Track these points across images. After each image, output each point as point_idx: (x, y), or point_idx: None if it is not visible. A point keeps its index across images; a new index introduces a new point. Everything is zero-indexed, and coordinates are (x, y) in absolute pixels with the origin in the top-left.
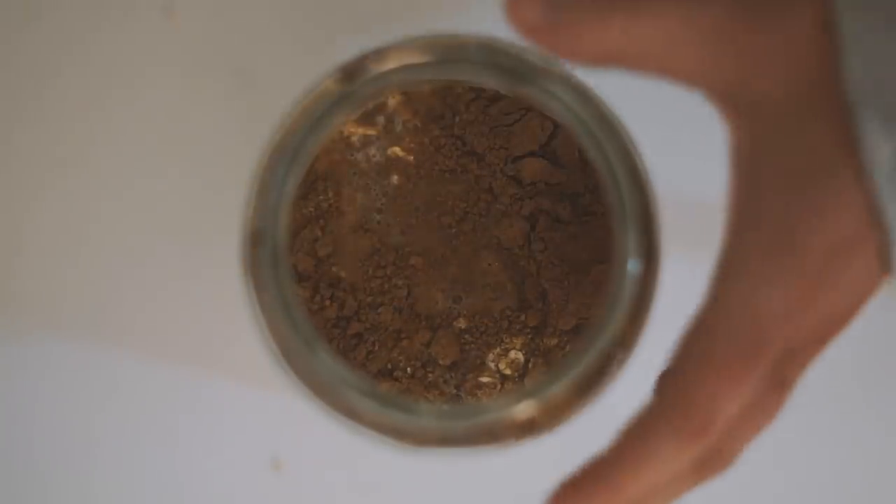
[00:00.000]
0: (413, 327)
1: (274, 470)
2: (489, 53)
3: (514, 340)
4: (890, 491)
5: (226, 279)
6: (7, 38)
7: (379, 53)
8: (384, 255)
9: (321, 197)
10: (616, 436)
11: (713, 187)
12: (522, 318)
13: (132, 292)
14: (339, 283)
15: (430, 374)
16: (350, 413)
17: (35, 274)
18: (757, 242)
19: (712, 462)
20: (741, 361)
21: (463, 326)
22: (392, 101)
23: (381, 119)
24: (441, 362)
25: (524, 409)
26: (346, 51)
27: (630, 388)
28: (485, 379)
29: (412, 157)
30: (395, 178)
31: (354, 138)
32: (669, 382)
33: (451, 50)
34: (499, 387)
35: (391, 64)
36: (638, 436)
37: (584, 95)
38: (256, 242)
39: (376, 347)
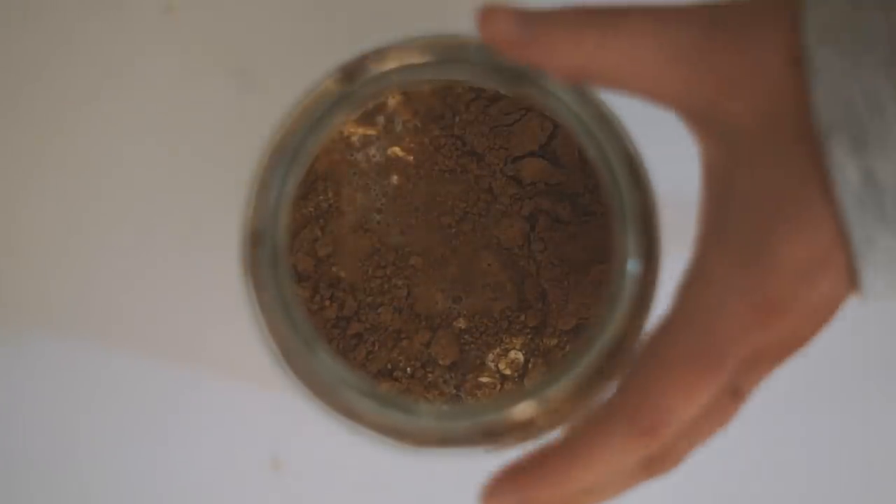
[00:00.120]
0: (413, 327)
1: (274, 470)
2: (489, 53)
3: (514, 340)
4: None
5: (226, 279)
6: (7, 36)
7: (379, 53)
8: (384, 255)
9: (321, 197)
10: (571, 426)
11: None
12: (522, 318)
13: (132, 292)
14: (339, 283)
15: (429, 375)
16: (350, 413)
17: (35, 274)
18: (726, 257)
19: (660, 461)
20: (699, 370)
21: (463, 326)
22: (392, 101)
23: (381, 119)
24: (441, 362)
25: (524, 409)
26: (346, 51)
27: None
28: (485, 379)
29: (412, 157)
30: (394, 178)
31: (354, 138)
32: (629, 380)
33: (451, 50)
34: (499, 387)
35: (391, 64)
36: (589, 427)
37: (583, 95)
38: (256, 242)
39: (376, 348)
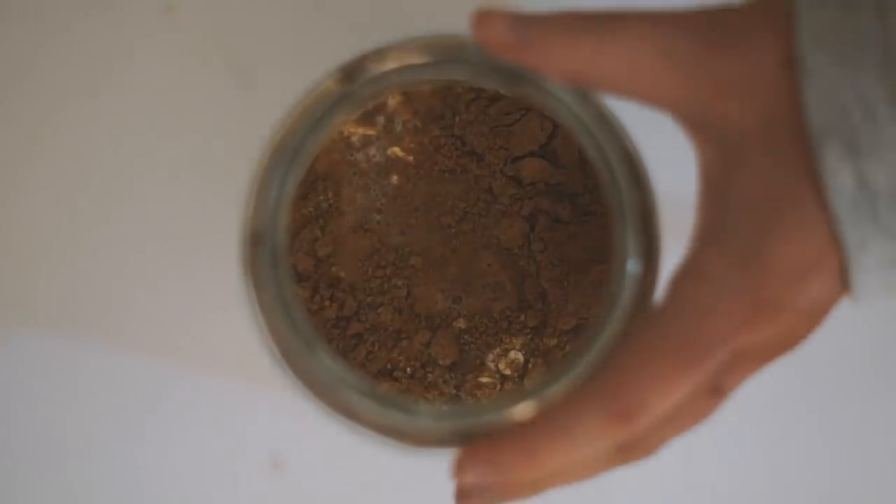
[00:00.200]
0: (413, 327)
1: (274, 470)
2: (488, 54)
3: (514, 340)
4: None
5: (225, 279)
6: (7, 35)
7: (379, 53)
8: (384, 255)
9: (321, 197)
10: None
11: None
12: (522, 318)
13: (132, 292)
14: (339, 283)
15: (429, 375)
16: (350, 413)
17: (35, 274)
18: (723, 256)
19: (634, 449)
20: (681, 364)
21: (463, 326)
22: (392, 101)
23: (381, 119)
24: (441, 362)
25: (524, 409)
26: (346, 51)
27: None
28: (484, 379)
29: (412, 157)
30: (394, 178)
31: (354, 138)
32: (610, 364)
33: (451, 50)
34: (498, 387)
35: (391, 64)
36: (564, 407)
37: (583, 95)
38: (256, 242)
39: (376, 348)
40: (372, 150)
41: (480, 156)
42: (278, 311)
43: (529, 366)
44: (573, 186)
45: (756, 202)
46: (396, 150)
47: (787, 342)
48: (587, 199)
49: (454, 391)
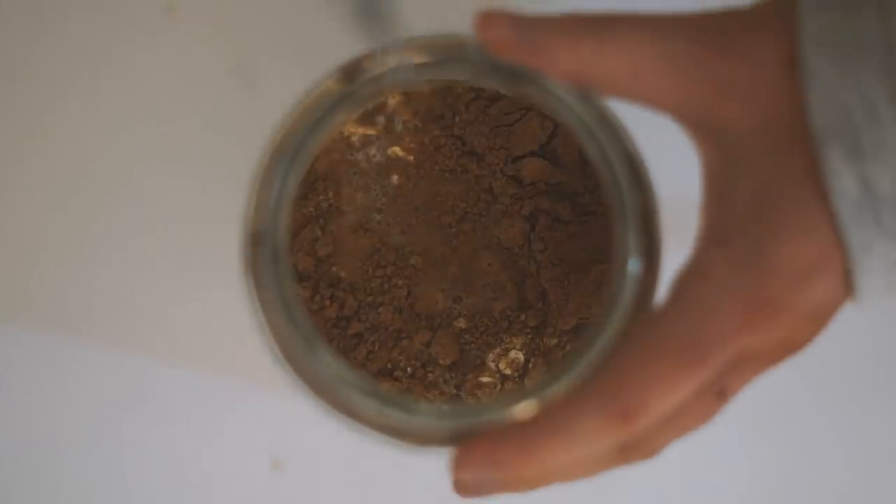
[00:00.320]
0: (413, 327)
1: (274, 470)
2: (488, 53)
3: (514, 340)
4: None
5: (226, 279)
6: (7, 36)
7: (379, 53)
8: (384, 254)
9: (321, 197)
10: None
11: None
12: (522, 317)
13: (132, 292)
14: (339, 283)
15: (430, 374)
16: (350, 413)
17: (34, 273)
18: (727, 258)
19: (635, 449)
20: (682, 364)
21: (463, 326)
22: (392, 101)
23: (381, 119)
24: (441, 362)
25: (524, 409)
26: (346, 51)
27: None
28: (485, 379)
29: (412, 157)
30: (395, 178)
31: (354, 138)
32: (612, 363)
33: (451, 50)
34: (499, 387)
35: (391, 64)
36: (565, 406)
37: (584, 95)
38: (257, 242)
39: (376, 347)
40: (372, 150)
41: (481, 155)
42: (279, 311)
43: (530, 365)
44: (573, 186)
45: (758, 203)
46: (397, 149)
47: (790, 345)
48: (587, 198)
49: (455, 391)
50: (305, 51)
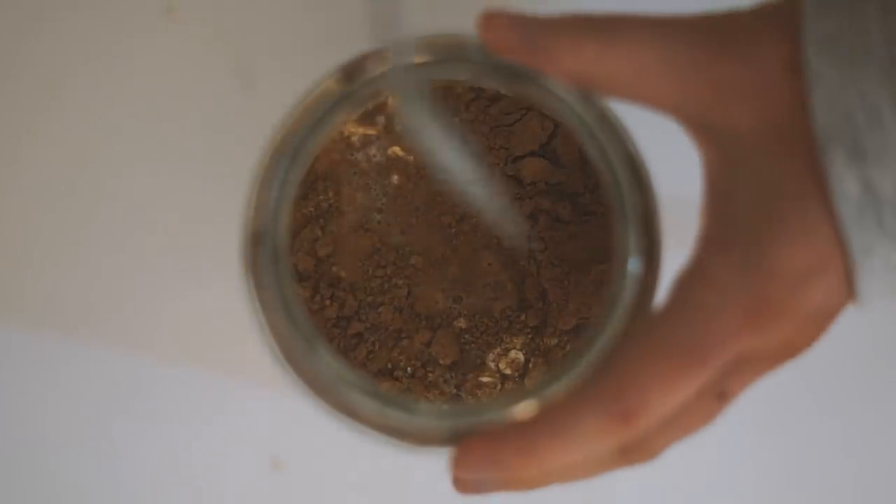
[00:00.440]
0: (413, 327)
1: (274, 470)
2: (489, 53)
3: (514, 340)
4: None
5: (226, 279)
6: (8, 37)
7: (379, 53)
8: (384, 254)
9: (321, 197)
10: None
11: None
12: (522, 317)
13: (132, 292)
14: (340, 283)
15: (430, 374)
16: (350, 412)
17: (34, 273)
18: (728, 260)
19: (636, 451)
20: (682, 366)
21: (463, 326)
22: (392, 101)
23: (381, 119)
24: (441, 362)
25: (524, 409)
26: (346, 51)
27: None
28: (485, 379)
29: (412, 157)
30: (395, 178)
31: (355, 138)
32: (611, 365)
33: (451, 50)
34: (499, 387)
35: (392, 64)
36: (565, 407)
37: (584, 95)
38: (257, 242)
39: (376, 347)
40: (372, 150)
41: (481, 156)
42: (279, 311)
43: (530, 365)
44: (574, 186)
45: (759, 205)
46: (397, 149)
47: (790, 347)
48: (588, 198)
49: (455, 391)
50: (305, 51)
